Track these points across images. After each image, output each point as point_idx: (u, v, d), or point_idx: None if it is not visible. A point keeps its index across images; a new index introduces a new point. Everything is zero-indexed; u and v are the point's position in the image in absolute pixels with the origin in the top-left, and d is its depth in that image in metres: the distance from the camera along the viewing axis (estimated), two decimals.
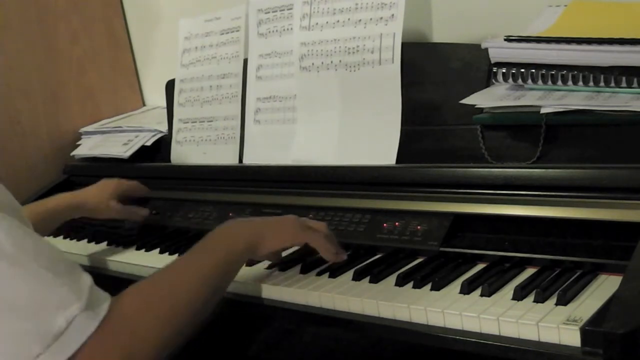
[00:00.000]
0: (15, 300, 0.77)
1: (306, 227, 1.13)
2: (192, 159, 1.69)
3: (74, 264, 0.85)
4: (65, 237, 1.70)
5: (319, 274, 1.14)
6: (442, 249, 1.13)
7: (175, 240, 1.47)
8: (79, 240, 1.64)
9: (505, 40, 1.13)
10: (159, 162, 1.76)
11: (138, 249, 1.48)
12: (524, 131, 1.12)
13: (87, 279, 0.83)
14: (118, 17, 2.15)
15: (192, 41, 1.73)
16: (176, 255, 1.39)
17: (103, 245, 1.56)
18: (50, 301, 0.78)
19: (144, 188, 1.60)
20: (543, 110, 1.08)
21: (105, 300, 0.83)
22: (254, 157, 1.55)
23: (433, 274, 1.05)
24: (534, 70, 1.12)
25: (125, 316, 0.84)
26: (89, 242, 1.61)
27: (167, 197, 1.64)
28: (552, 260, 1.02)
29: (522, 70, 1.13)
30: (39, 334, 0.76)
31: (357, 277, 1.10)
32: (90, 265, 1.49)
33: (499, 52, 1.14)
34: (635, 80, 1.04)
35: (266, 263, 1.21)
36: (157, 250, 1.43)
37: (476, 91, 1.19)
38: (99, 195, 1.52)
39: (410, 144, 1.28)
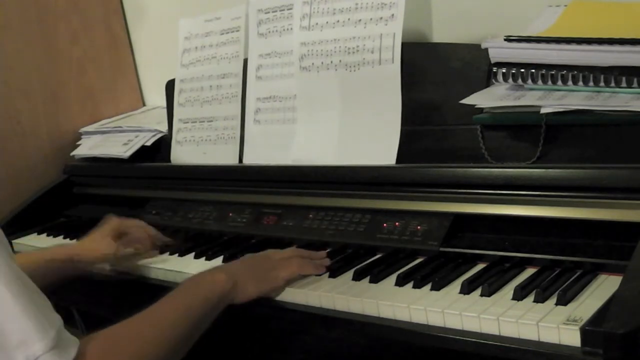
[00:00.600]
0: None
1: (280, 266, 1.13)
2: (192, 159, 1.69)
3: (46, 302, 0.82)
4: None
5: (319, 274, 1.14)
6: (442, 249, 1.13)
7: (176, 240, 1.47)
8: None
9: (505, 40, 1.13)
10: (159, 162, 1.76)
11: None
12: (524, 131, 1.12)
13: (57, 319, 0.81)
14: (118, 17, 2.15)
15: (192, 41, 1.73)
16: (176, 255, 1.39)
17: None
18: (11, 336, 0.75)
19: (150, 232, 1.45)
20: (543, 110, 1.08)
21: (73, 344, 0.80)
22: (254, 157, 1.55)
23: (433, 274, 1.05)
24: (534, 70, 1.12)
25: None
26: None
27: (167, 197, 1.64)
28: (552, 260, 1.02)
29: (522, 70, 1.13)
30: None
31: (357, 277, 1.10)
32: None
33: (499, 52, 1.14)
34: (635, 80, 1.04)
35: None
36: (157, 250, 1.43)
37: (476, 91, 1.19)
38: (89, 240, 1.40)
39: (410, 144, 1.28)
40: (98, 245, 1.38)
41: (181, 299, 1.02)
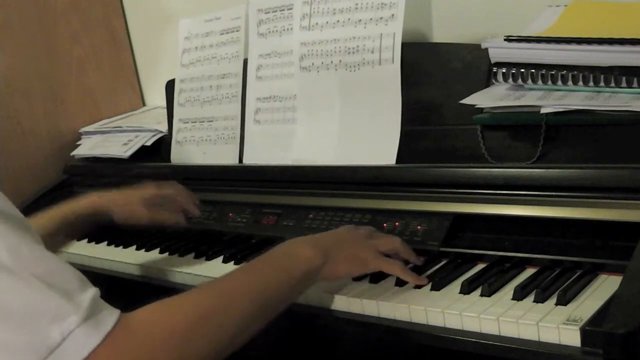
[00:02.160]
0: (6, 310, 0.72)
1: (379, 254, 1.04)
2: (192, 159, 1.69)
3: (77, 276, 0.78)
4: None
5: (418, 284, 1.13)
6: (442, 249, 1.13)
7: (175, 240, 1.47)
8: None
9: (505, 40, 1.13)
10: (159, 162, 1.76)
11: (138, 249, 1.48)
12: (524, 131, 1.12)
13: (90, 292, 0.76)
14: (118, 17, 2.15)
15: (192, 41, 1.73)
16: (176, 255, 1.39)
17: (103, 245, 1.56)
18: (44, 313, 0.72)
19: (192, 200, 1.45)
20: (543, 110, 1.08)
21: (110, 314, 0.76)
22: (254, 157, 1.55)
23: (433, 274, 1.05)
24: (534, 70, 1.12)
25: (133, 332, 0.76)
26: (88, 242, 1.61)
27: None
28: (552, 260, 1.02)
29: (522, 70, 1.13)
30: (32, 346, 0.71)
31: (357, 277, 1.10)
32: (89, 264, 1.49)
33: (499, 52, 1.14)
34: (635, 80, 1.04)
35: None
36: (158, 250, 1.43)
37: (476, 91, 1.19)
38: (124, 200, 1.38)
39: (410, 144, 1.28)
40: (130, 209, 1.37)
41: (257, 271, 0.92)
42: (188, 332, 0.79)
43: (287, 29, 1.49)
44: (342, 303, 1.03)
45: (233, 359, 0.96)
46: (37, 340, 0.71)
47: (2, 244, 0.74)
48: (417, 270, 1.09)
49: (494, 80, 1.17)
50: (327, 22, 1.41)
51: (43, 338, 0.72)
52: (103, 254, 1.49)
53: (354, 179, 1.30)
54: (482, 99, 1.16)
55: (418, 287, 1.03)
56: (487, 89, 1.20)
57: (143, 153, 1.78)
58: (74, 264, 1.48)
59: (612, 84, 1.06)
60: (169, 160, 1.74)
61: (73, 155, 1.96)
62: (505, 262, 1.06)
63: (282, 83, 1.50)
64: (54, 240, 1.28)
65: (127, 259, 1.44)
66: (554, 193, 1.04)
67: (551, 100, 1.08)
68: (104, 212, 1.37)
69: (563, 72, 1.09)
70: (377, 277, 1.08)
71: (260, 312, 0.89)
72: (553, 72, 1.10)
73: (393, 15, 1.32)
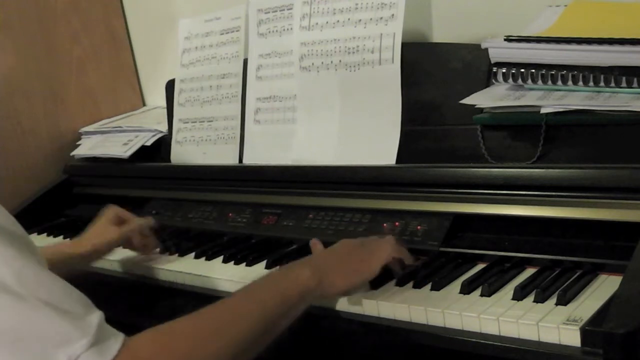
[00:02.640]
0: (13, 334, 0.73)
1: (377, 259, 1.05)
2: (192, 159, 1.69)
3: (84, 300, 0.79)
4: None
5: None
6: (442, 249, 1.13)
7: (175, 240, 1.47)
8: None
9: (505, 40, 1.13)
10: (159, 162, 1.76)
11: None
12: (524, 131, 1.12)
13: (96, 316, 0.77)
14: (118, 17, 2.15)
15: (192, 41, 1.73)
16: (176, 255, 1.39)
17: None
18: (51, 337, 0.73)
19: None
20: (543, 110, 1.08)
21: (115, 339, 0.76)
22: (254, 157, 1.55)
23: (433, 274, 1.05)
24: (534, 70, 1.12)
25: (138, 357, 0.77)
26: None
27: (167, 197, 1.64)
28: (552, 260, 1.02)
29: (522, 70, 1.13)
30: None
31: None
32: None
33: (499, 52, 1.14)
34: (635, 80, 1.04)
35: None
36: (157, 250, 1.43)
37: (476, 91, 1.19)
38: (92, 236, 1.37)
39: (410, 144, 1.28)
40: (102, 234, 1.36)
41: (255, 295, 0.93)
42: (189, 357, 0.81)
43: (287, 29, 1.49)
44: (343, 303, 1.03)
45: None
46: None
47: (8, 268, 0.74)
48: (417, 269, 1.09)
49: (494, 80, 1.17)
50: (327, 22, 1.41)
51: None
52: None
53: (354, 179, 1.30)
54: (482, 99, 1.16)
55: (418, 286, 1.03)
56: (487, 89, 1.20)
57: (143, 153, 1.78)
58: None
59: (612, 84, 1.06)
60: (169, 160, 1.74)
61: (73, 155, 1.96)
62: (505, 262, 1.06)
63: (282, 83, 1.50)
64: None
65: (127, 259, 1.44)
66: (554, 193, 1.04)
67: (551, 100, 1.08)
68: (74, 255, 1.34)
69: (563, 72, 1.09)
70: (376, 277, 1.08)
71: (259, 335, 0.90)
72: (553, 72, 1.10)
73: (393, 15, 1.32)
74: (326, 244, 1.25)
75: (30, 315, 0.74)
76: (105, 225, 1.38)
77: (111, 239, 1.37)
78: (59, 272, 1.23)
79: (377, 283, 1.07)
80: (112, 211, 1.41)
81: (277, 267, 1.20)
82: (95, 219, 1.41)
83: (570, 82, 1.09)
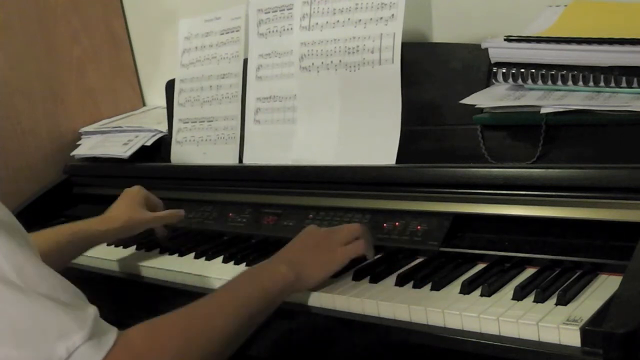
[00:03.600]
0: (14, 327, 0.74)
1: (343, 245, 1.09)
2: (192, 159, 1.69)
3: (79, 294, 0.81)
4: None
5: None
6: (442, 249, 1.13)
7: (175, 240, 1.47)
8: None
9: (505, 40, 1.13)
10: (159, 162, 1.76)
11: (138, 249, 1.48)
12: (524, 131, 1.12)
13: (92, 310, 0.79)
14: (118, 17, 2.15)
15: (192, 41, 1.73)
16: (176, 254, 1.39)
17: (102, 244, 1.56)
18: (51, 329, 0.74)
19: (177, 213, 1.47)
20: (543, 110, 1.08)
21: (111, 332, 0.79)
22: (254, 157, 1.55)
23: (433, 274, 1.05)
24: (534, 70, 1.12)
25: (131, 350, 0.79)
26: None
27: (167, 197, 1.64)
28: (552, 260, 1.02)
29: (522, 70, 1.13)
30: None
31: (357, 277, 1.10)
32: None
33: (499, 52, 1.14)
34: (635, 80, 1.04)
35: None
36: (158, 250, 1.43)
37: (476, 91, 1.19)
38: (123, 213, 1.38)
39: (410, 144, 1.28)
40: (133, 213, 1.38)
41: (238, 292, 0.97)
42: (180, 351, 0.84)
43: (287, 29, 1.49)
44: (342, 303, 1.03)
45: (233, 359, 0.97)
46: (43, 357, 0.73)
47: (8, 261, 0.76)
48: (417, 269, 1.09)
49: (494, 80, 1.17)
50: (327, 22, 1.41)
51: (49, 355, 0.74)
52: (103, 254, 1.49)
53: (354, 179, 1.30)
54: (482, 99, 1.16)
55: (417, 286, 1.03)
56: (487, 89, 1.20)
57: (143, 153, 1.78)
58: (74, 264, 1.49)
59: (612, 84, 1.06)
60: (169, 160, 1.74)
61: (73, 155, 1.96)
62: (505, 262, 1.06)
63: (282, 83, 1.50)
64: (62, 258, 1.27)
65: (128, 259, 1.44)
66: (554, 193, 1.04)
67: (551, 100, 1.08)
68: (99, 231, 1.35)
69: (563, 72, 1.09)
70: (377, 277, 1.08)
71: (241, 329, 0.94)
72: (553, 72, 1.10)
73: (393, 15, 1.32)
74: None
75: (31, 307, 0.75)
76: (135, 205, 1.39)
77: (143, 220, 1.39)
78: (79, 249, 1.30)
79: (376, 278, 1.08)
80: (142, 193, 1.43)
81: None
82: (122, 195, 1.42)
83: (570, 82, 1.09)
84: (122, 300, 1.43)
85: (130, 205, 1.40)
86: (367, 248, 1.12)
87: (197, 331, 0.87)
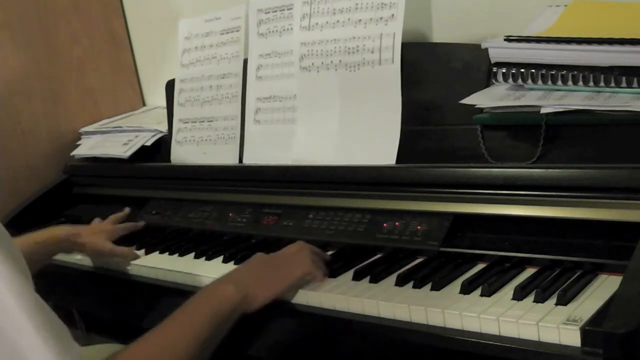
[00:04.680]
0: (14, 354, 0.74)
1: (293, 262, 1.12)
2: (192, 159, 1.69)
3: (64, 328, 0.81)
4: None
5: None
6: (442, 249, 1.13)
7: (175, 240, 1.47)
8: None
9: (505, 40, 1.13)
10: (159, 162, 1.76)
11: (138, 249, 1.48)
12: (524, 131, 1.12)
13: (75, 348, 0.80)
14: (118, 17, 2.15)
15: (192, 41, 1.73)
16: (176, 255, 1.39)
17: None
18: None
19: (139, 225, 1.60)
20: (543, 110, 1.08)
21: None
22: (254, 157, 1.55)
23: (433, 274, 1.05)
24: (534, 70, 1.12)
25: None
26: None
27: (167, 197, 1.64)
28: (552, 260, 1.02)
29: (522, 70, 1.13)
30: None
31: (357, 277, 1.10)
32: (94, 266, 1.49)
33: (499, 52, 1.14)
34: (635, 80, 1.04)
35: None
36: (157, 250, 1.43)
37: (476, 91, 1.19)
38: (93, 235, 1.47)
39: (410, 144, 1.28)
40: (95, 240, 1.45)
41: (192, 318, 0.99)
42: None
43: (287, 29, 1.49)
44: (342, 303, 1.03)
45: (233, 359, 0.97)
46: None
47: (8, 288, 0.75)
48: (417, 269, 1.09)
49: (494, 80, 1.17)
50: (327, 22, 1.41)
51: None
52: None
53: (354, 179, 1.30)
54: (482, 99, 1.16)
55: (417, 286, 1.03)
56: (487, 89, 1.20)
57: (143, 153, 1.78)
58: (74, 264, 1.49)
59: (612, 84, 1.06)
60: (169, 160, 1.74)
61: (73, 155, 1.96)
62: (505, 262, 1.06)
63: (282, 83, 1.50)
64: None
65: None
66: (554, 193, 1.04)
67: (551, 100, 1.08)
68: (72, 244, 1.44)
69: (563, 72, 1.09)
70: (377, 277, 1.08)
71: (199, 352, 0.95)
72: (553, 72, 1.10)
73: (393, 15, 1.32)
74: (326, 244, 1.26)
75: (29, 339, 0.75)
76: (104, 239, 1.47)
77: (100, 250, 1.45)
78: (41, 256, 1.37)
79: (376, 278, 1.08)
80: (113, 232, 1.53)
81: None
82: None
83: (570, 82, 1.09)
84: (121, 300, 1.43)
85: (92, 232, 1.48)
86: (311, 265, 1.12)
87: (160, 358, 0.90)
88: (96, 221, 1.62)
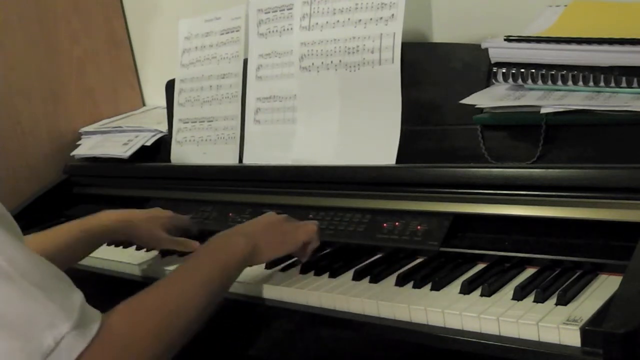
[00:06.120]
0: (5, 318, 0.74)
1: (299, 228, 1.16)
2: (192, 159, 1.69)
3: (66, 280, 0.82)
4: None
5: (319, 273, 1.14)
6: (442, 249, 1.13)
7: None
8: None
9: (505, 40, 1.13)
10: (159, 162, 1.76)
11: (138, 249, 1.48)
12: (524, 131, 1.12)
13: (78, 297, 0.80)
14: (118, 17, 2.15)
15: (192, 41, 1.73)
16: (175, 255, 1.39)
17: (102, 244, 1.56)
18: (40, 320, 0.75)
19: (196, 224, 1.49)
20: (543, 110, 1.08)
21: (95, 318, 0.80)
22: (254, 157, 1.55)
23: (433, 274, 1.05)
24: (534, 70, 1.12)
25: (115, 334, 0.81)
26: None
27: (167, 197, 1.64)
28: (552, 260, 1.02)
29: (522, 70, 1.13)
30: (27, 352, 0.74)
31: (357, 277, 1.10)
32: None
33: (499, 52, 1.14)
34: (635, 80, 1.04)
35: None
36: (157, 251, 1.43)
37: (476, 91, 1.19)
38: (149, 222, 1.38)
39: (410, 144, 1.28)
40: (152, 231, 1.38)
41: (202, 267, 1.00)
42: (159, 329, 0.87)
43: (287, 29, 1.49)
44: (342, 303, 1.03)
45: (233, 359, 0.97)
46: (32, 347, 0.74)
47: (1, 252, 0.76)
48: (417, 269, 1.09)
49: (494, 80, 1.17)
50: (327, 22, 1.41)
51: (38, 344, 0.74)
52: (103, 254, 1.49)
53: (354, 179, 1.30)
54: (482, 99, 1.16)
55: (417, 286, 1.03)
56: (487, 89, 1.20)
57: (143, 153, 1.78)
58: (89, 268, 1.47)
59: (612, 84, 1.06)
60: (169, 160, 1.74)
61: (73, 155, 1.97)
62: (505, 262, 1.06)
63: (282, 83, 1.50)
64: (71, 256, 1.28)
65: (127, 259, 1.44)
66: (554, 193, 1.04)
67: (551, 100, 1.08)
68: (127, 231, 1.37)
69: (563, 72, 1.09)
70: (377, 277, 1.08)
71: (208, 302, 0.96)
72: (553, 72, 1.10)
73: (393, 15, 1.32)
74: (327, 244, 1.26)
75: (22, 298, 0.76)
76: (158, 230, 1.38)
77: (157, 242, 1.38)
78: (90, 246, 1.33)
79: (376, 278, 1.08)
80: (168, 215, 1.43)
81: (277, 267, 1.20)
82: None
83: (570, 82, 1.09)
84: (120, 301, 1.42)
85: (148, 219, 1.39)
86: (317, 239, 1.17)
87: (173, 307, 0.91)
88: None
